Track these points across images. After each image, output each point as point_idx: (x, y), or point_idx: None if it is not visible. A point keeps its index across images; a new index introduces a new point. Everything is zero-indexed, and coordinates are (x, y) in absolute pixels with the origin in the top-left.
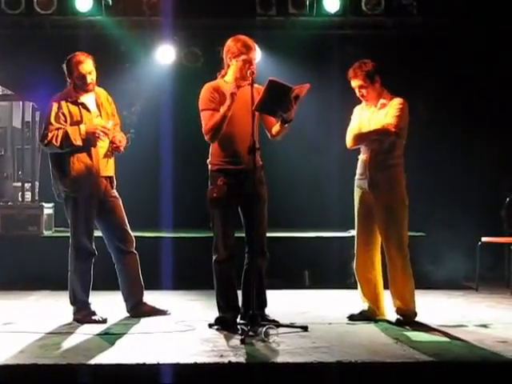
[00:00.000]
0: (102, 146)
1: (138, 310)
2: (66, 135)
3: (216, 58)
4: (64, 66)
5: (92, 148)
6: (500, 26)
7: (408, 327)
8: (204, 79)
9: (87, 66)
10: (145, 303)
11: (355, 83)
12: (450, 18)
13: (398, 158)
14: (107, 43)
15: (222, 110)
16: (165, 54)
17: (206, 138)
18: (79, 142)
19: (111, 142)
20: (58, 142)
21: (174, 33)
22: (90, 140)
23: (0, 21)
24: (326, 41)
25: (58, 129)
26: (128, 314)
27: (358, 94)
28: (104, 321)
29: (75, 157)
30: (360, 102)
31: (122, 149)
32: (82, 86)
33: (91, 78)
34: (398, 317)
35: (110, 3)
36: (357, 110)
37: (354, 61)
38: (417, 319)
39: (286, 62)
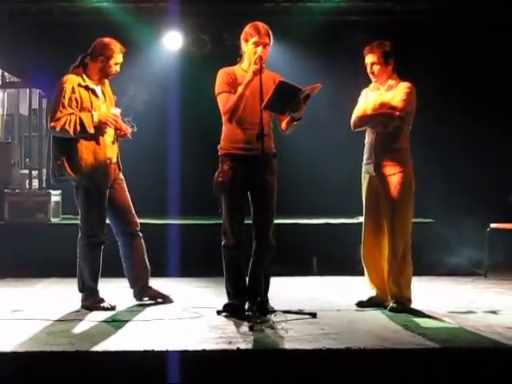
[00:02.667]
0: (109, 133)
1: (144, 293)
2: (80, 122)
3: (223, 45)
4: (97, 45)
5: (100, 136)
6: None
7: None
8: (211, 65)
9: (121, 57)
10: (150, 287)
11: (369, 59)
12: (460, 4)
13: (404, 142)
14: (114, 30)
15: (240, 88)
16: (172, 41)
17: (225, 118)
18: (92, 130)
19: (117, 129)
20: (72, 128)
21: (181, 19)
22: (100, 128)
23: (7, 8)
24: (334, 27)
25: (70, 114)
26: (135, 300)
27: (368, 70)
28: (113, 308)
29: (83, 144)
30: (368, 84)
31: (129, 136)
32: (106, 72)
33: (117, 69)
34: (392, 304)
35: None
36: (364, 92)
37: (361, 47)
38: (426, 305)
39: (294, 49)
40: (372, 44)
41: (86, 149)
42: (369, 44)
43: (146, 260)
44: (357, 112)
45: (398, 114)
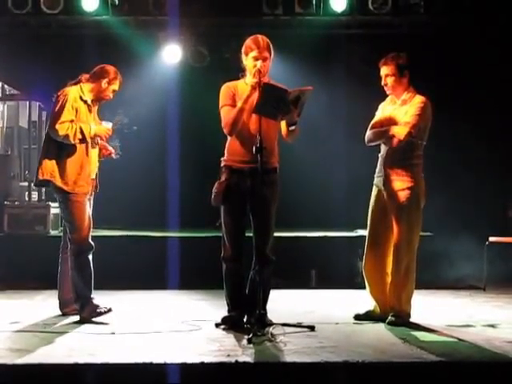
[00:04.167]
0: (95, 150)
1: (72, 304)
2: (80, 130)
3: (222, 58)
4: (99, 69)
5: (90, 149)
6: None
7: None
8: (210, 78)
9: (118, 86)
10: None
11: (383, 71)
12: (458, 17)
13: (416, 158)
14: (113, 43)
15: (240, 103)
16: (171, 54)
17: (225, 131)
18: (89, 140)
19: (102, 148)
20: (72, 135)
21: (180, 32)
22: (92, 141)
23: (7, 20)
24: (333, 40)
25: (71, 121)
26: (131, 314)
27: (383, 82)
28: (109, 310)
29: (72, 155)
30: (381, 98)
31: (113, 155)
32: (102, 95)
33: (111, 96)
34: (391, 317)
35: (117, 3)
36: (381, 105)
37: (360, 60)
38: (424, 319)
39: (293, 62)
40: (387, 56)
41: (74, 160)
42: (369, 57)
43: None
44: (371, 126)
45: (401, 137)
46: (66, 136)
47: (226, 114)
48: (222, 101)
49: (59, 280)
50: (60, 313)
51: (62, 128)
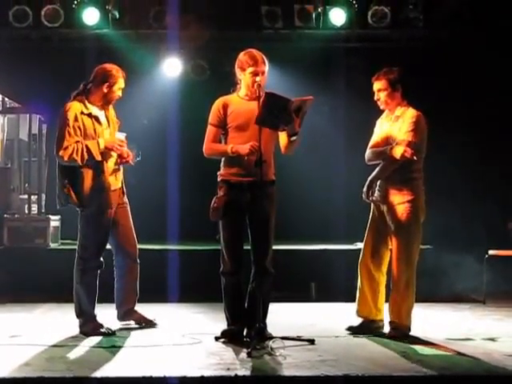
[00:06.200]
0: (112, 159)
1: (129, 316)
2: (87, 150)
3: (222, 71)
4: (99, 72)
5: (104, 162)
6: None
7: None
8: (210, 92)
9: (123, 82)
10: (135, 311)
11: (375, 86)
12: (457, 30)
13: (415, 172)
14: (114, 56)
15: (229, 149)
16: (171, 67)
17: (203, 151)
18: (99, 157)
19: (120, 156)
20: (79, 157)
21: (180, 46)
22: (105, 154)
23: (8, 34)
24: (332, 54)
25: (76, 142)
26: (118, 322)
27: (375, 97)
28: (112, 333)
29: (86, 172)
30: (380, 111)
31: (131, 162)
32: (109, 98)
33: (120, 95)
34: (391, 330)
35: (117, 16)
36: (379, 121)
37: (360, 74)
38: (424, 332)
39: (292, 75)
40: (380, 71)
41: (89, 176)
42: (368, 70)
43: (137, 286)
44: (370, 145)
45: (397, 157)
46: (73, 160)
47: (209, 134)
48: (210, 117)
49: (116, 290)
50: (61, 327)
51: (66, 153)
